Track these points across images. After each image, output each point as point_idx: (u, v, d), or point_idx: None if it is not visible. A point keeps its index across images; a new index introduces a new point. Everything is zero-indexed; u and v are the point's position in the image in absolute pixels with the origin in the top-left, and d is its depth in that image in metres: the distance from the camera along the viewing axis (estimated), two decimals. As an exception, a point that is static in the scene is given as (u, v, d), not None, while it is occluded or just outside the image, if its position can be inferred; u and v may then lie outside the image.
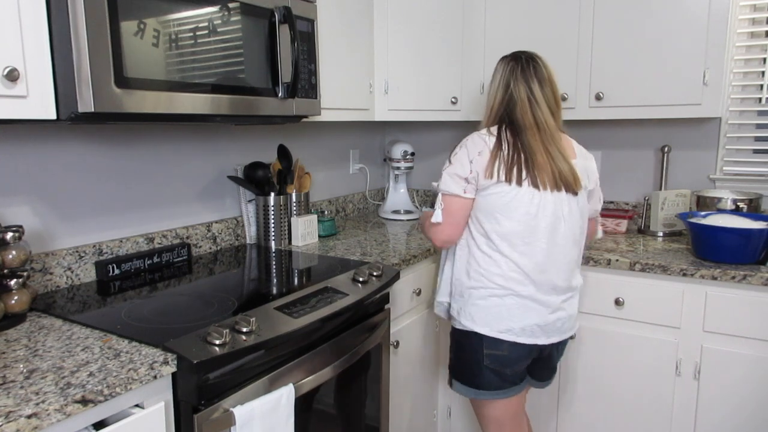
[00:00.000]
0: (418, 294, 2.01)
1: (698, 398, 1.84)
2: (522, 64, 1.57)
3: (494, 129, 1.56)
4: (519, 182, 1.48)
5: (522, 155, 1.50)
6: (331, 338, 1.51)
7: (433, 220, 1.56)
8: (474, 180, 1.51)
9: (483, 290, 1.55)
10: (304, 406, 1.44)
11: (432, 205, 1.77)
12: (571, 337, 1.69)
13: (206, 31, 1.41)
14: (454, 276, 1.64)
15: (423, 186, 3.02)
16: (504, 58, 1.64)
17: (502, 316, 1.53)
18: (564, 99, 2.23)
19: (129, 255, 1.71)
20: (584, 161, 1.61)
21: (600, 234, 1.84)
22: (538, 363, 1.66)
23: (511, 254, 1.51)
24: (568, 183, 1.52)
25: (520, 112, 1.55)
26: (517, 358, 1.57)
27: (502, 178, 1.48)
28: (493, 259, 1.53)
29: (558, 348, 1.66)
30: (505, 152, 1.50)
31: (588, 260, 1.95)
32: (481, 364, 1.57)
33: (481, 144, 1.53)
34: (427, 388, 2.16)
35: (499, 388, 1.60)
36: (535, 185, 1.49)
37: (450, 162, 1.56)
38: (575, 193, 1.54)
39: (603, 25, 2.14)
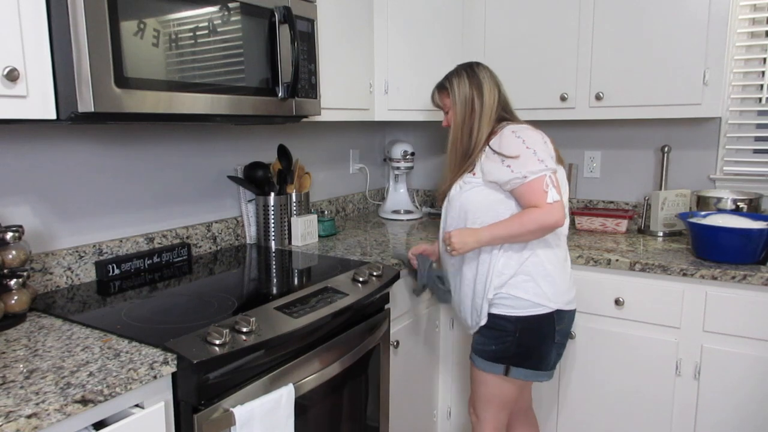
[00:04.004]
0: (419, 294, 2.01)
1: (698, 398, 1.84)
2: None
3: (515, 121, 1.69)
4: (559, 161, 1.65)
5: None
6: (331, 338, 1.51)
7: (551, 199, 1.52)
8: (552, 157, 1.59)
9: (551, 267, 1.62)
10: (304, 406, 1.44)
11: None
12: None
13: (206, 31, 1.41)
14: (522, 256, 1.62)
15: (423, 186, 3.02)
16: (477, 64, 1.74)
17: (562, 289, 1.63)
18: (564, 99, 2.24)
19: (129, 255, 1.71)
20: None
21: None
22: None
23: (564, 226, 1.64)
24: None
25: (511, 109, 1.74)
26: (570, 326, 1.70)
27: (557, 157, 1.63)
28: (557, 234, 1.64)
29: None
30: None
31: (588, 260, 1.95)
32: (552, 342, 1.64)
33: (534, 130, 1.62)
34: (427, 388, 2.16)
35: (554, 367, 1.69)
36: (562, 163, 1.67)
37: (528, 148, 1.55)
38: None
39: (603, 25, 2.14)
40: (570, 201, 2.61)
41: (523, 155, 1.55)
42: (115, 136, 1.70)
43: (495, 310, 1.65)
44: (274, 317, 1.33)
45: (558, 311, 1.63)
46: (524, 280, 1.61)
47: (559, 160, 1.65)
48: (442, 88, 1.76)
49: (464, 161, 1.69)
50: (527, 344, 1.64)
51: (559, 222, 1.54)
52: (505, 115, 1.70)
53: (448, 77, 1.74)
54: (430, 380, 2.18)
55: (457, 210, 1.70)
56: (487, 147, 1.63)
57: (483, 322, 1.67)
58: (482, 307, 1.66)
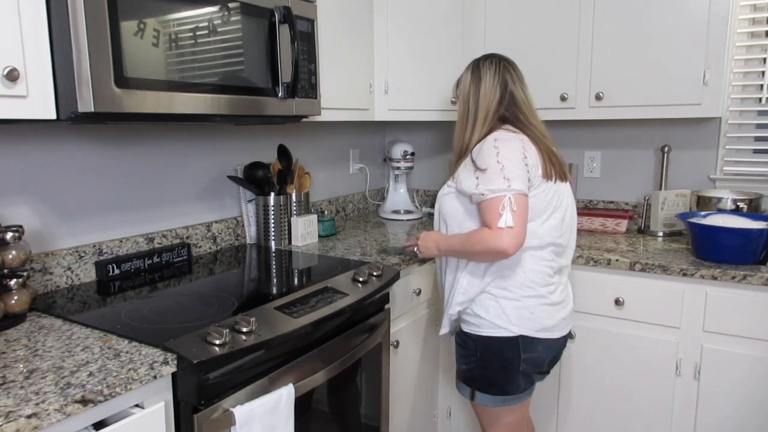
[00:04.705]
0: (418, 294, 2.01)
1: (698, 398, 1.84)
2: (512, 66, 1.61)
3: (510, 127, 1.55)
4: (552, 177, 1.51)
5: (550, 150, 1.55)
6: (331, 338, 1.51)
7: (502, 224, 1.40)
8: (530, 178, 1.47)
9: (518, 290, 1.52)
10: (303, 406, 1.44)
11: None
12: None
13: (206, 31, 1.41)
14: (485, 278, 1.54)
15: (423, 186, 3.01)
16: (490, 57, 1.63)
17: (537, 317, 1.52)
18: (564, 99, 2.24)
19: (129, 255, 1.71)
20: None
21: None
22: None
23: (546, 249, 1.53)
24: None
25: (526, 111, 1.58)
26: (548, 357, 1.58)
27: (545, 174, 1.50)
28: (532, 256, 1.52)
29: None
30: (542, 149, 1.52)
31: (588, 260, 1.95)
32: (516, 370, 1.54)
33: (520, 141, 1.49)
34: (427, 388, 2.16)
35: (525, 390, 1.59)
36: (562, 178, 1.54)
37: (499, 162, 1.44)
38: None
39: (603, 25, 2.14)
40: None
41: (491, 170, 1.44)
42: (115, 136, 1.70)
43: (464, 327, 1.62)
44: (274, 317, 1.33)
45: (524, 337, 1.51)
46: (487, 298, 1.54)
47: (560, 176, 1.54)
48: (457, 82, 1.69)
49: (458, 162, 1.61)
50: (489, 368, 1.56)
51: (507, 250, 1.40)
52: (507, 115, 1.57)
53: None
54: (430, 380, 2.18)
55: (437, 213, 1.67)
56: (470, 153, 1.53)
57: (442, 332, 1.68)
58: (444, 318, 1.67)
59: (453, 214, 1.58)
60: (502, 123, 1.57)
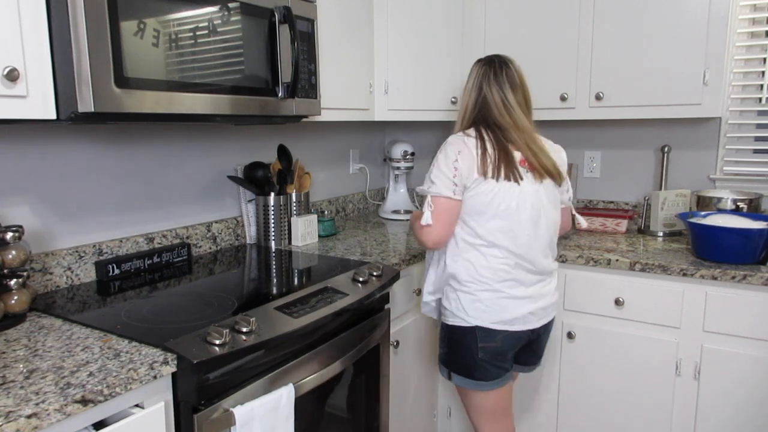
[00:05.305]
0: (418, 294, 2.01)
1: (698, 398, 1.84)
2: (495, 68, 1.64)
3: (471, 131, 1.62)
4: (497, 178, 1.54)
5: (503, 153, 1.56)
6: (331, 338, 1.51)
7: (423, 222, 1.57)
8: (460, 182, 1.55)
9: (473, 284, 1.59)
10: (304, 406, 1.44)
11: (421, 206, 1.82)
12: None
13: (206, 31, 1.41)
14: (446, 272, 1.64)
15: (423, 186, 3.02)
16: (479, 61, 1.70)
17: (493, 309, 1.58)
18: (564, 99, 2.24)
19: (129, 255, 1.71)
20: (558, 154, 1.70)
21: (584, 223, 1.87)
22: (526, 348, 1.71)
23: (496, 249, 1.58)
24: (552, 175, 1.62)
25: (498, 115, 1.61)
26: (510, 347, 1.63)
27: (483, 176, 1.54)
28: (482, 254, 1.58)
29: (546, 330, 1.71)
30: (489, 151, 1.56)
31: (588, 260, 1.95)
32: (476, 358, 1.61)
33: (460, 145, 1.57)
34: (427, 388, 2.16)
35: (496, 377, 1.64)
36: (515, 180, 1.55)
37: (434, 165, 1.59)
38: (559, 185, 1.66)
39: (603, 25, 2.14)
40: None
41: (430, 169, 1.60)
42: (115, 136, 1.70)
43: (441, 315, 1.72)
44: (274, 317, 1.33)
45: (480, 328, 1.58)
46: (449, 290, 1.64)
47: (509, 176, 1.54)
48: None
49: None
50: (455, 353, 1.66)
51: (426, 244, 1.59)
52: (478, 117, 1.63)
53: None
54: (430, 380, 2.18)
55: None
56: None
57: (422, 310, 1.78)
58: (427, 303, 1.76)
59: None
60: (475, 124, 1.64)
